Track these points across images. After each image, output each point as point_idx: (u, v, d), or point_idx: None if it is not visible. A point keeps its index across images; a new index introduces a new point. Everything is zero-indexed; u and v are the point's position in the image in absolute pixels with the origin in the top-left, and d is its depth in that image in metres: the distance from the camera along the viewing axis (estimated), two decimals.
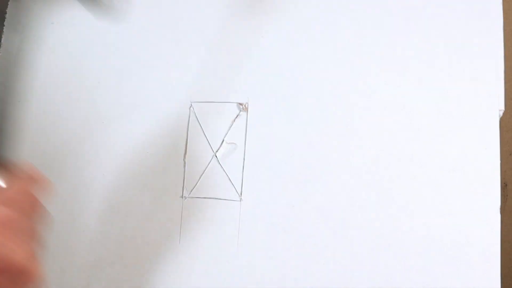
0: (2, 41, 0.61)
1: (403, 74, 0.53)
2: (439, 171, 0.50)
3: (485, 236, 0.48)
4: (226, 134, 0.56)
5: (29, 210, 0.32)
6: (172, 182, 0.55)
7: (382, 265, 0.49)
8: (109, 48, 0.60)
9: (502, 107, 0.50)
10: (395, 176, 0.51)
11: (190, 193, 0.55)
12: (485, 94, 0.50)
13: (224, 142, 0.56)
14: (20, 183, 0.33)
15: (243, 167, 0.54)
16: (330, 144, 0.53)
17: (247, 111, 0.55)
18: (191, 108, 0.57)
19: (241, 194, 0.54)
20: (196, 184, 0.55)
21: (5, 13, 0.63)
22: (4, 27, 0.62)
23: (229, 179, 0.54)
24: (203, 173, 0.55)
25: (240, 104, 0.56)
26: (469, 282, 0.47)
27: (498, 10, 0.52)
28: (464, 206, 0.49)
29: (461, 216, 0.49)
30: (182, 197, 0.55)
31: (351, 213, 0.51)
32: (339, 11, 0.55)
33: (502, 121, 0.50)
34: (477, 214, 0.48)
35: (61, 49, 0.61)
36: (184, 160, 0.55)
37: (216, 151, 0.55)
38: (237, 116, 0.56)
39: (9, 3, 0.63)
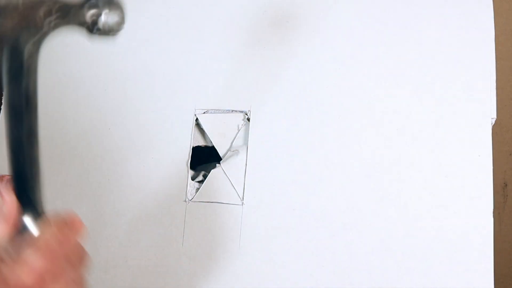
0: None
1: (402, 86, 0.54)
2: (435, 178, 0.51)
3: (479, 239, 0.49)
4: (232, 143, 0.57)
5: (67, 258, 0.30)
6: (176, 187, 0.56)
7: (381, 267, 0.50)
8: (116, 56, 0.61)
9: (494, 115, 0.51)
10: (393, 180, 0.52)
11: (193, 197, 0.55)
12: (478, 103, 0.52)
13: (228, 150, 0.57)
14: (55, 230, 0.31)
15: (245, 172, 0.55)
16: (329, 149, 0.54)
17: (249, 120, 0.56)
18: (195, 114, 0.57)
19: (243, 198, 0.54)
20: (199, 189, 0.56)
21: None
22: None
23: (232, 184, 0.55)
24: (206, 178, 0.56)
25: (245, 113, 0.57)
26: (464, 283, 0.48)
27: (490, 21, 0.53)
28: (459, 210, 0.50)
29: (456, 219, 0.50)
30: (185, 201, 0.55)
31: (351, 216, 0.52)
32: (339, 22, 0.57)
33: (502, 121, 0.50)
34: (472, 218, 0.49)
35: (69, 57, 0.62)
36: (187, 165, 0.56)
37: (221, 160, 0.56)
38: (243, 125, 0.57)
39: None
